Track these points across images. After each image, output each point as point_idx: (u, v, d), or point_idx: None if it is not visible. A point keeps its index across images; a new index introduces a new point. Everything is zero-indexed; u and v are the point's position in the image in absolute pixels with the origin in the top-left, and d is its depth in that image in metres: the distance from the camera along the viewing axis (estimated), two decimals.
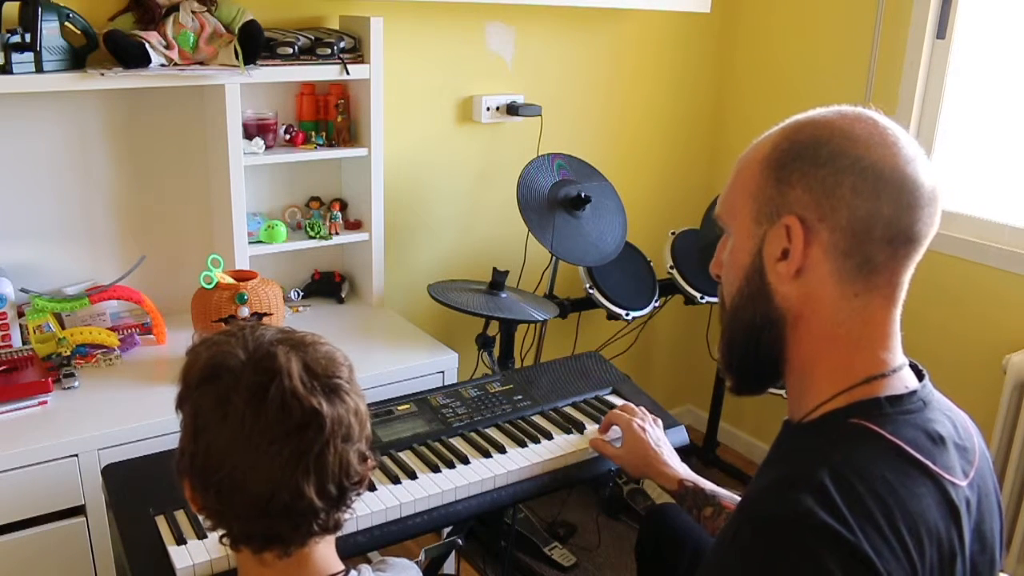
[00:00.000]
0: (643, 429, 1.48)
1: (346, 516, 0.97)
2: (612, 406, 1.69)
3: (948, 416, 0.93)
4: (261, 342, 0.92)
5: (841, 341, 0.89)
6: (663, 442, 1.49)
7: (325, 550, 0.98)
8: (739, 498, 1.33)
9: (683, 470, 1.43)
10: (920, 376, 0.93)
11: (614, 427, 1.55)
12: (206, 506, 0.93)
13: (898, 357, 0.91)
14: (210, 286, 1.75)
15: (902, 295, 0.90)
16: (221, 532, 0.94)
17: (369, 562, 1.04)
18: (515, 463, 1.48)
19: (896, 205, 0.85)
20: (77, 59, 1.71)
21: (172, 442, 1.53)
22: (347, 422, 0.92)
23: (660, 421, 1.56)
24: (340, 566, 0.98)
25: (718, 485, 1.38)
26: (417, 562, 1.17)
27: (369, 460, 0.97)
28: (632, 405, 1.59)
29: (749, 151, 0.94)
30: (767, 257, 0.90)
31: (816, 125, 0.89)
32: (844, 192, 0.85)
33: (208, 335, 0.97)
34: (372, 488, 1.38)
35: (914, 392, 0.90)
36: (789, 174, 0.87)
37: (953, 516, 0.85)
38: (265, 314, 1.76)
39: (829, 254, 0.87)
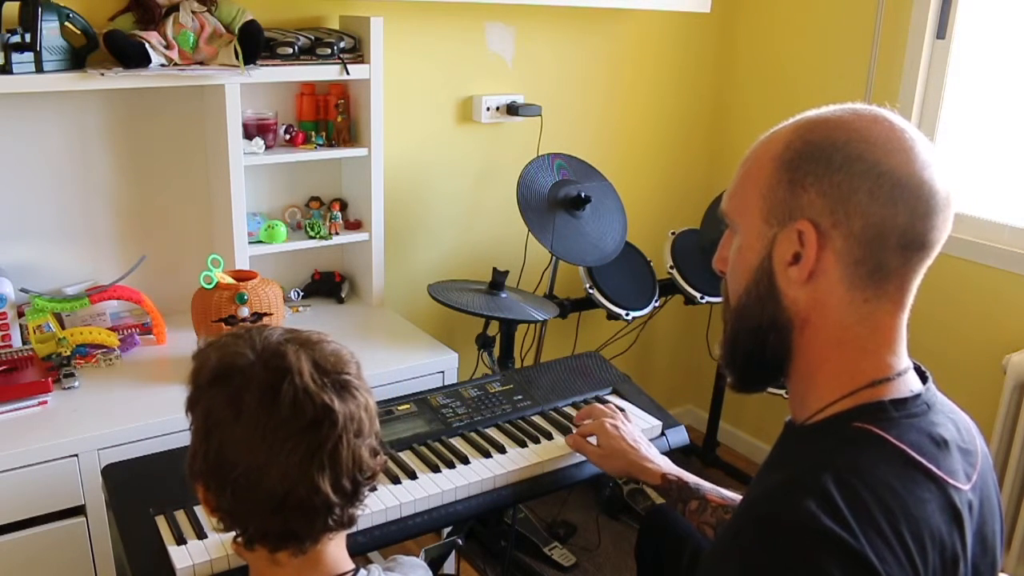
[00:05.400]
0: (616, 427, 1.46)
1: (359, 512, 0.98)
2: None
3: (951, 419, 0.92)
4: (269, 342, 0.94)
5: (848, 345, 0.88)
6: (639, 436, 1.47)
7: (336, 550, 0.99)
8: (724, 491, 1.34)
9: (665, 464, 1.41)
10: (924, 378, 0.93)
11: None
12: (221, 507, 0.93)
13: (903, 360, 0.90)
14: (210, 286, 1.75)
15: (910, 299, 0.89)
16: (236, 533, 0.95)
17: (370, 563, 1.05)
18: (515, 463, 1.48)
19: (912, 212, 0.83)
20: (77, 59, 1.71)
21: (172, 442, 1.56)
22: (358, 417, 0.94)
23: (632, 416, 1.54)
24: (351, 565, 1.00)
25: (718, 485, 1.37)
26: None
27: (379, 455, 0.99)
28: (599, 405, 1.57)
29: (759, 147, 0.91)
30: (777, 260, 0.88)
31: (831, 126, 0.86)
32: (860, 198, 0.82)
33: (213, 338, 0.97)
34: (372, 488, 1.38)
35: (918, 396, 0.89)
36: (803, 176, 0.85)
37: (956, 520, 0.85)
38: (265, 314, 1.76)
39: (841, 260, 0.85)
